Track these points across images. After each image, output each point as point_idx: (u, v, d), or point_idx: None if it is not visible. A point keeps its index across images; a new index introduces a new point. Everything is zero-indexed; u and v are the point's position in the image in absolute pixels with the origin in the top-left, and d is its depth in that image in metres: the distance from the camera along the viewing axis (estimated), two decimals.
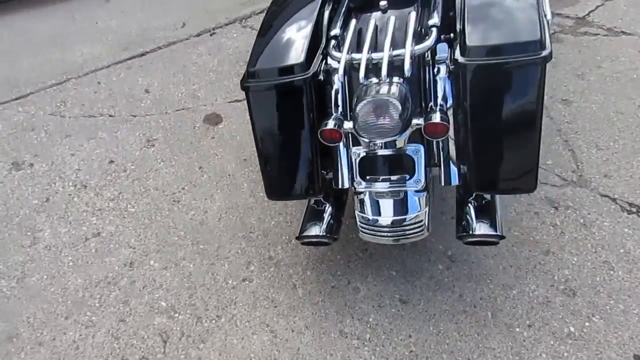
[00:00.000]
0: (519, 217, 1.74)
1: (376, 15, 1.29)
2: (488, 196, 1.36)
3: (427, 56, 1.27)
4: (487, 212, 1.34)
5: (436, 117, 1.17)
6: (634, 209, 1.75)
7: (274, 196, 1.41)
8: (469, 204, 1.36)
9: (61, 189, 1.84)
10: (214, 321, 1.43)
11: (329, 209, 1.43)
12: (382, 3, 1.29)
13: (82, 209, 1.76)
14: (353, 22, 1.30)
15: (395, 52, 1.18)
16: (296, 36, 1.35)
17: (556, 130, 2.09)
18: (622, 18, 2.79)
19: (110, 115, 2.18)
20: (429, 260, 1.60)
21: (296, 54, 1.29)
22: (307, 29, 1.35)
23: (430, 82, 1.28)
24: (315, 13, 1.40)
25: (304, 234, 1.38)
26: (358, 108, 1.17)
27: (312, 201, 1.45)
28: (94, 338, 1.40)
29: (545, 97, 2.16)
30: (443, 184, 1.33)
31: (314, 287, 1.51)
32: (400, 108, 1.15)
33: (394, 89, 1.17)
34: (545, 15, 1.30)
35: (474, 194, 1.35)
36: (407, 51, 1.15)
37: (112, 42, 2.68)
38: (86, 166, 1.93)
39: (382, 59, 1.16)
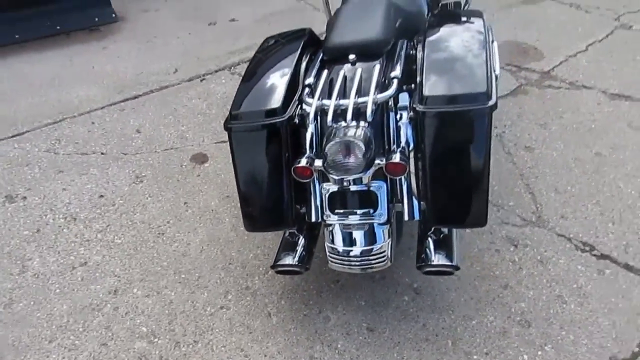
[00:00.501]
0: (480, 253, 1.87)
1: (346, 67, 1.46)
2: (445, 230, 1.50)
3: (390, 104, 1.43)
4: (444, 245, 1.47)
5: (396, 158, 1.32)
6: (587, 248, 1.89)
7: (251, 228, 1.53)
8: (429, 237, 1.49)
9: (52, 220, 1.95)
10: (191, 346, 1.51)
11: (302, 241, 1.55)
12: (351, 57, 1.46)
13: (71, 240, 1.86)
14: (325, 72, 1.47)
15: (360, 100, 1.34)
16: (275, 83, 1.51)
17: (519, 175, 2.25)
18: (582, 73, 3.02)
19: (102, 153, 2.31)
20: (395, 292, 1.71)
21: (274, 100, 1.44)
22: (285, 78, 1.51)
23: (393, 126, 1.44)
24: (294, 63, 1.56)
25: (278, 263, 1.50)
26: (327, 148, 1.32)
27: (287, 233, 1.57)
28: None
29: (510, 144, 2.34)
30: (407, 219, 1.47)
31: (287, 315, 1.61)
32: (363, 149, 1.30)
33: (359, 132, 1.32)
34: (494, 70, 1.48)
35: (432, 228, 1.49)
36: (370, 99, 1.31)
37: (107, 85, 2.84)
38: (77, 200, 2.04)
39: (348, 105, 1.32)
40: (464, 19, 1.65)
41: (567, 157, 2.37)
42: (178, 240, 1.87)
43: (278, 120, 1.40)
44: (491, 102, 1.31)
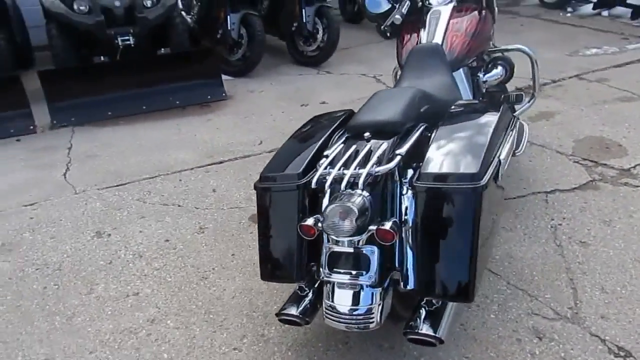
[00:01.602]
0: (499, 340, 1.83)
1: (359, 142, 1.65)
2: (439, 302, 1.54)
3: (396, 177, 1.57)
4: (434, 316, 1.51)
5: (387, 225, 1.45)
6: (622, 353, 1.76)
7: (264, 277, 1.71)
8: (421, 307, 1.54)
9: (123, 255, 2.30)
10: None
11: (309, 296, 1.68)
12: (366, 134, 1.65)
13: (133, 273, 2.18)
14: (342, 146, 1.66)
15: (360, 171, 1.50)
16: (303, 153, 1.73)
17: (565, 269, 2.17)
18: None
19: (179, 206, 2.69)
20: None
21: (295, 167, 1.66)
22: (312, 149, 1.73)
23: (397, 198, 1.57)
24: (323, 138, 1.78)
25: (282, 311, 1.64)
26: (327, 211, 1.48)
27: (298, 287, 1.72)
28: None
29: (563, 236, 2.30)
30: (402, 287, 1.54)
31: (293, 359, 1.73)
32: (357, 214, 1.44)
33: (357, 199, 1.48)
34: (499, 155, 1.57)
35: (424, 299, 1.54)
36: (365, 171, 1.47)
37: (201, 150, 3.30)
38: (147, 241, 2.39)
39: (347, 175, 1.49)
40: (482, 108, 1.77)
41: (626, 257, 2.23)
42: (217, 285, 2.10)
43: (294, 183, 1.61)
44: (481, 183, 1.40)
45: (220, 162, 3.14)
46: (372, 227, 1.47)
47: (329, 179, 1.51)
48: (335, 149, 1.66)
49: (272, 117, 3.75)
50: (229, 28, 4.56)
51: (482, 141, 1.54)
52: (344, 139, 1.74)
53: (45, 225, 2.55)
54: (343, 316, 1.52)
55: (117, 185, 2.91)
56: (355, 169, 1.51)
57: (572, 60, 4.97)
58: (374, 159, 1.52)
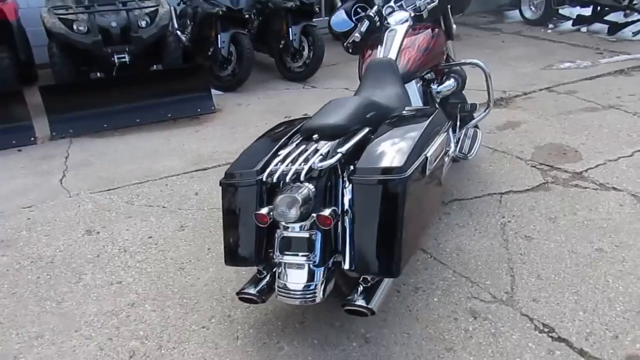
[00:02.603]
0: (438, 319, 2.05)
1: (309, 143, 1.89)
2: (373, 280, 1.77)
3: (339, 172, 1.82)
4: (369, 291, 1.75)
5: (325, 212, 1.69)
6: (546, 329, 1.99)
7: (228, 262, 1.94)
8: (359, 283, 1.77)
9: (109, 250, 2.54)
10: (169, 350, 1.91)
11: (266, 278, 1.91)
12: (315, 136, 1.90)
13: (117, 265, 2.43)
14: (293, 146, 1.91)
15: (304, 167, 1.74)
16: (262, 153, 1.97)
17: (507, 259, 2.40)
18: (617, 177, 3.09)
19: (164, 207, 2.93)
20: (347, 338, 1.96)
21: (255, 164, 1.90)
22: (270, 149, 1.97)
23: (340, 189, 1.81)
24: (282, 139, 2.03)
25: (242, 290, 1.88)
26: (277, 201, 1.73)
27: (257, 270, 1.95)
28: (87, 346, 1.95)
29: (510, 232, 2.52)
30: (345, 267, 1.78)
31: (250, 341, 1.95)
32: (301, 203, 1.68)
33: (302, 190, 1.72)
34: (427, 153, 1.81)
35: (361, 277, 1.78)
36: (306, 166, 1.72)
37: (188, 158, 3.56)
38: (132, 237, 2.64)
39: (290, 170, 1.74)
40: (418, 114, 2.02)
41: (564, 249, 2.46)
42: (192, 274, 2.34)
43: (252, 179, 1.85)
44: (404, 176, 1.65)
45: (205, 169, 3.40)
46: (314, 214, 1.71)
47: (277, 173, 1.75)
48: (288, 148, 1.92)
49: (256, 128, 4.01)
50: (219, 46, 4.86)
51: (410, 140, 1.78)
52: (298, 140, 1.99)
53: (40, 225, 2.80)
54: (291, 292, 1.75)
55: (108, 190, 3.16)
56: (300, 165, 1.76)
57: (546, 74, 5.23)
58: (317, 156, 1.77)
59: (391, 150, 1.77)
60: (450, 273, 2.32)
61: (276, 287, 1.79)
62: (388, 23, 2.70)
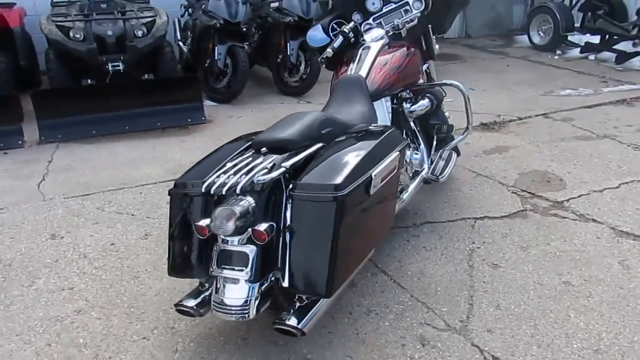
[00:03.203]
0: (386, 344, 1.98)
1: (256, 156, 1.87)
2: (309, 299, 1.72)
3: (283, 186, 1.78)
4: (303, 310, 1.70)
5: (261, 227, 1.65)
6: None
7: (171, 273, 1.91)
8: (295, 301, 1.72)
9: (69, 255, 2.53)
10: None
11: (207, 292, 1.87)
12: (263, 150, 1.87)
13: (73, 271, 2.41)
14: (239, 159, 1.88)
15: (244, 180, 1.71)
16: (211, 165, 1.94)
17: (469, 286, 2.32)
18: (599, 208, 2.99)
19: (132, 215, 2.92)
20: (288, 358, 1.90)
21: (203, 175, 1.87)
22: (220, 161, 1.95)
23: (282, 204, 1.77)
24: (234, 152, 2.00)
25: (180, 302, 1.84)
26: (215, 213, 1.69)
27: (199, 282, 1.91)
28: (24, 351, 1.93)
29: (478, 258, 2.45)
30: (283, 284, 1.73)
31: (188, 355, 1.91)
32: (238, 216, 1.65)
33: (241, 203, 1.68)
34: (373, 172, 1.76)
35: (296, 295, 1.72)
36: (243, 179, 1.68)
37: (168, 168, 3.56)
38: (94, 243, 2.63)
39: (231, 182, 1.71)
40: (372, 132, 1.98)
41: (530, 280, 2.37)
42: (145, 283, 2.31)
43: (197, 190, 1.83)
44: (339, 195, 1.60)
45: None
46: (251, 229, 1.68)
47: (216, 185, 1.73)
48: (236, 161, 1.89)
49: None
50: (216, 58, 4.89)
51: (355, 159, 1.74)
52: (249, 153, 1.96)
53: (8, 227, 2.81)
54: (224, 307, 1.71)
55: (83, 195, 3.17)
56: (240, 177, 1.72)
57: (544, 100, 5.15)
58: (259, 169, 1.74)
59: (333, 168, 1.73)
60: (408, 297, 2.25)
61: (212, 302, 1.76)
62: (364, 40, 2.68)
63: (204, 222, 1.74)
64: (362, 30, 2.75)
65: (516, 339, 2.01)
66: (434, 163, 2.83)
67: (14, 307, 2.18)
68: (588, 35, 7.06)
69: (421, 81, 3.00)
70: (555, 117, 4.61)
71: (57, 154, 3.85)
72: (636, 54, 6.40)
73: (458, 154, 3.31)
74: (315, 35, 2.76)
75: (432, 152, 2.89)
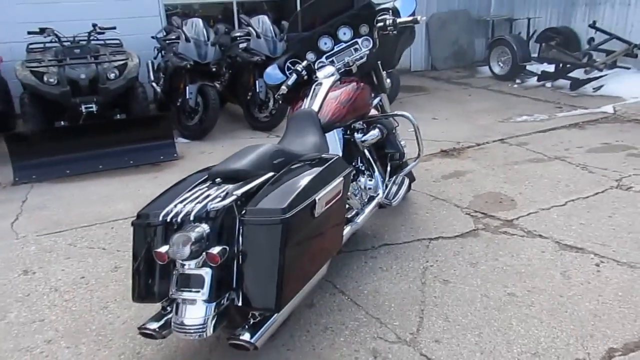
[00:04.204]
0: (340, 357, 2.12)
1: (211, 185, 2.03)
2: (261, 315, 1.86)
3: (235, 213, 1.94)
4: (256, 326, 1.83)
5: (214, 250, 1.80)
6: None
7: (135, 299, 2.03)
8: (249, 318, 1.86)
9: (40, 289, 2.64)
10: None
11: (169, 314, 1.99)
12: (217, 180, 2.04)
13: (44, 304, 2.51)
14: (196, 189, 2.04)
15: (197, 208, 1.87)
16: (171, 195, 2.09)
17: (420, 302, 2.48)
18: (546, 224, 3.20)
19: (104, 249, 3.04)
20: None
21: (161, 207, 2.02)
22: (181, 191, 2.10)
23: (235, 229, 1.92)
24: (193, 183, 2.16)
25: (142, 325, 1.96)
26: (172, 239, 1.84)
27: (161, 306, 2.03)
28: None
29: (430, 276, 2.60)
30: (238, 303, 1.87)
31: None
32: (192, 241, 1.80)
33: (196, 229, 1.84)
34: (317, 196, 1.94)
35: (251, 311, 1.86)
36: (196, 207, 1.84)
37: (140, 203, 3.62)
38: (66, 277, 2.73)
39: (185, 211, 1.87)
40: (317, 161, 2.16)
41: (477, 293, 2.54)
42: (113, 313, 2.42)
43: (154, 221, 1.97)
44: (284, 217, 1.77)
45: None
46: (205, 252, 1.82)
47: (172, 213, 1.88)
48: (193, 191, 2.05)
49: None
50: (187, 97, 5.10)
51: (299, 185, 1.92)
52: (205, 184, 2.13)
53: None
54: (183, 327, 1.83)
55: (55, 232, 3.28)
56: (194, 205, 1.88)
57: (502, 126, 5.43)
58: (212, 198, 1.90)
59: (280, 193, 1.90)
60: (363, 314, 2.40)
61: (172, 323, 1.88)
62: (317, 77, 2.89)
63: (163, 249, 1.88)
64: (316, 67, 2.97)
65: (461, 347, 2.16)
66: (388, 188, 3.01)
67: None
68: (545, 64, 7.47)
69: (375, 112, 3.23)
70: (511, 142, 4.88)
71: (31, 194, 3.96)
72: (588, 80, 6.79)
73: (413, 180, 3.52)
74: (272, 73, 2.98)
75: (387, 178, 3.09)
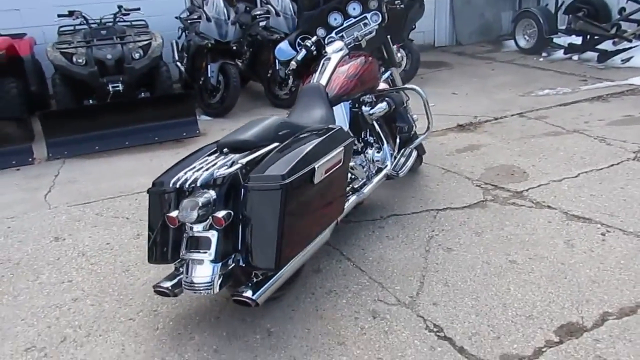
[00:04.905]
0: (340, 317, 2.25)
1: (219, 155, 2.16)
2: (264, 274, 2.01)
3: (240, 180, 2.07)
4: (258, 284, 1.98)
5: (219, 214, 1.94)
6: (435, 329, 2.16)
7: (150, 260, 2.20)
8: (252, 277, 2.01)
9: (69, 253, 2.85)
10: (95, 337, 2.17)
11: (181, 274, 2.16)
12: (225, 150, 2.17)
13: (72, 266, 2.72)
14: (205, 159, 2.18)
15: (204, 175, 2.01)
16: (183, 165, 2.23)
17: (422, 268, 2.58)
18: (555, 196, 3.23)
19: (127, 218, 3.24)
20: (253, 332, 2.17)
21: (172, 176, 2.16)
22: (191, 161, 2.24)
23: (241, 196, 2.06)
24: (205, 154, 2.29)
25: (158, 284, 2.13)
26: (182, 204, 1.99)
27: (174, 267, 2.20)
28: (28, 332, 2.23)
29: (435, 244, 2.70)
30: (242, 264, 2.02)
31: (167, 331, 2.19)
32: (199, 206, 1.94)
33: (204, 195, 1.98)
34: (317, 164, 2.05)
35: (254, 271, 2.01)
36: (204, 174, 1.98)
37: None
38: (92, 244, 2.94)
39: (193, 177, 2.00)
40: (319, 132, 2.26)
41: (479, 260, 2.62)
42: (134, 275, 2.61)
43: (168, 188, 2.12)
44: (284, 182, 1.89)
45: None
46: (211, 216, 1.97)
47: (181, 180, 2.02)
48: (202, 160, 2.18)
49: None
50: (209, 75, 5.25)
51: (299, 153, 2.03)
52: (214, 154, 2.26)
53: (17, 233, 3.14)
54: (192, 285, 2.00)
55: (84, 203, 3.50)
56: (202, 173, 2.02)
57: (522, 100, 5.39)
58: (219, 166, 2.04)
59: (281, 162, 2.02)
60: (366, 279, 2.51)
61: (183, 282, 2.04)
62: (326, 52, 2.97)
63: (174, 213, 2.03)
64: (325, 43, 3.05)
65: (457, 310, 2.26)
66: (397, 160, 3.09)
67: (20, 297, 2.49)
68: (573, 36, 7.29)
69: (385, 86, 3.30)
70: (530, 116, 4.85)
71: (62, 169, 4.21)
72: (617, 52, 6.61)
73: (423, 153, 3.58)
74: (283, 49, 3.07)
75: (395, 151, 3.17)
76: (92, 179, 3.96)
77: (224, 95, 5.31)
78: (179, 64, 5.94)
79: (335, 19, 3.11)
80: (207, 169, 2.05)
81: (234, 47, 5.31)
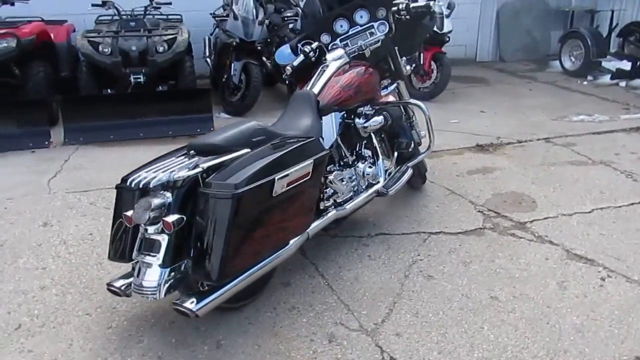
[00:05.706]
0: (295, 338, 2.15)
1: (184, 157, 2.11)
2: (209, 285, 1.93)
3: (200, 184, 2.01)
4: (202, 295, 1.90)
5: (169, 218, 1.88)
6: None
7: (110, 258, 2.17)
8: (199, 286, 1.94)
9: (52, 240, 2.88)
10: (49, 329, 2.17)
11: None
12: (191, 152, 2.12)
13: (50, 253, 2.74)
14: (171, 159, 2.13)
15: (159, 176, 1.95)
16: (151, 164, 2.19)
17: (396, 294, 2.45)
18: (561, 231, 3.01)
19: None
20: (203, 342, 2.11)
21: (137, 175, 2.12)
22: (158, 161, 2.20)
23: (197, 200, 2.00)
24: (176, 154, 2.25)
25: (110, 282, 2.10)
26: (137, 204, 1.95)
27: (132, 266, 2.16)
28: None
29: (416, 270, 2.58)
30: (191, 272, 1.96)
31: (119, 331, 2.16)
32: (151, 207, 1.89)
33: (157, 196, 1.93)
34: (277, 176, 1.96)
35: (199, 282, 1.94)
36: (160, 176, 1.92)
37: None
38: (76, 232, 2.97)
39: (148, 178, 1.95)
40: (288, 142, 2.17)
41: (458, 292, 2.46)
42: (106, 269, 2.60)
43: (132, 187, 2.08)
44: (236, 192, 1.81)
45: None
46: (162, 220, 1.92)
47: (137, 180, 1.98)
48: (166, 160, 2.14)
49: None
50: (232, 74, 5.25)
51: (261, 163, 1.95)
52: (183, 155, 2.21)
53: (11, 214, 3.21)
54: (139, 288, 1.95)
55: (82, 191, 3.54)
56: (160, 174, 1.97)
57: (553, 125, 5.09)
58: (179, 168, 1.98)
59: (241, 169, 1.94)
60: (334, 299, 2.40)
61: (132, 283, 2.00)
62: (325, 59, 2.88)
63: (130, 213, 1.99)
64: (328, 50, 2.95)
65: (420, 344, 2.12)
66: (390, 177, 2.96)
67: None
68: (625, 61, 6.87)
69: (392, 99, 3.17)
70: (557, 142, 4.57)
71: (74, 155, 4.29)
72: None
73: (425, 171, 3.42)
74: (283, 53, 3.00)
75: (391, 167, 3.03)
76: (98, 167, 4.02)
77: (245, 94, 5.29)
78: (208, 60, 5.99)
79: (341, 25, 3.00)
80: (168, 171, 2.00)
81: (259, 47, 5.29)
